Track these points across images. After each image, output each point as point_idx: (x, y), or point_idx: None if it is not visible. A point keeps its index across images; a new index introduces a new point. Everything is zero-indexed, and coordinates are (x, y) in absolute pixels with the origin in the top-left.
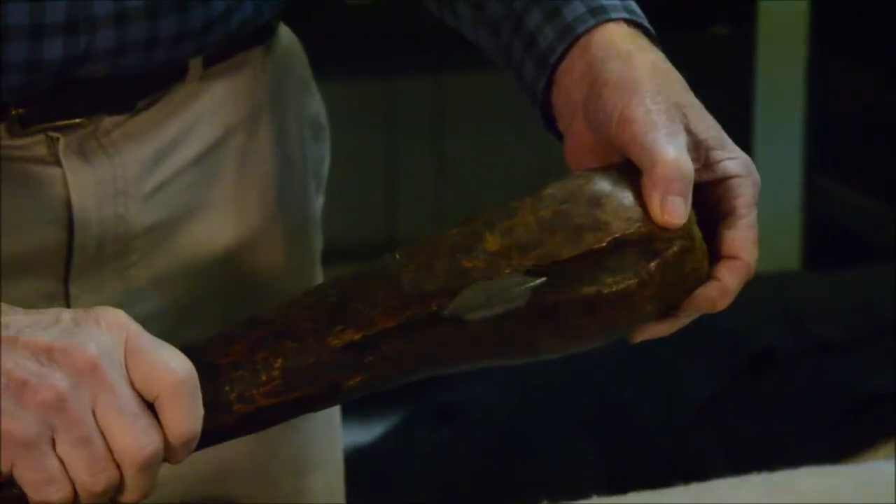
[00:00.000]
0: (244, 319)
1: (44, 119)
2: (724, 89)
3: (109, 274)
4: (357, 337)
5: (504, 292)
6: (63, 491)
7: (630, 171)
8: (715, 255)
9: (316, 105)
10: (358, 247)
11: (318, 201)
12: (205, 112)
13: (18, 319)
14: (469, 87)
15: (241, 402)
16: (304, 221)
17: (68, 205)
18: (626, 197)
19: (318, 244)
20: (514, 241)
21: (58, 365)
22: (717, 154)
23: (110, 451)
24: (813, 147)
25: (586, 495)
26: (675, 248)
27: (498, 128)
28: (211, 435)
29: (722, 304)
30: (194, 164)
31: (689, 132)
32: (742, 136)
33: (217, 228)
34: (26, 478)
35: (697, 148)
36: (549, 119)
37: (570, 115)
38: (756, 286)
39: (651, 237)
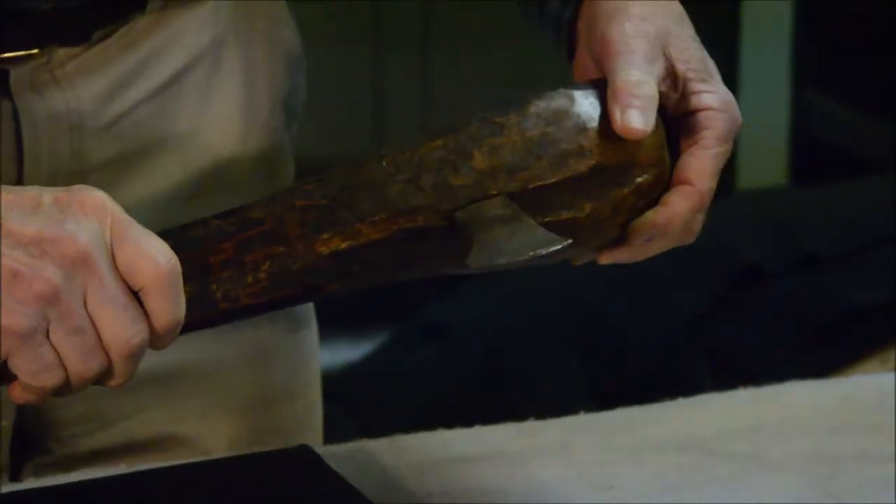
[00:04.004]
0: (230, 212)
1: None
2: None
3: None
4: (344, 246)
5: (528, 248)
6: (57, 377)
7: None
8: (672, 181)
9: (289, 34)
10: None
11: (291, 131)
12: (165, 43)
13: None
14: (456, 2)
15: (226, 300)
16: (272, 154)
17: (19, 139)
18: (607, 122)
19: (288, 174)
20: (501, 162)
21: (49, 257)
22: (696, 86)
23: (100, 339)
24: (800, 60)
25: (574, 412)
26: (648, 177)
27: (485, 44)
28: (194, 326)
29: (670, 231)
30: (153, 98)
31: (669, 60)
32: (729, 49)
33: (177, 163)
34: (23, 367)
35: (675, 77)
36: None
37: (578, 46)
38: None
39: (629, 164)
